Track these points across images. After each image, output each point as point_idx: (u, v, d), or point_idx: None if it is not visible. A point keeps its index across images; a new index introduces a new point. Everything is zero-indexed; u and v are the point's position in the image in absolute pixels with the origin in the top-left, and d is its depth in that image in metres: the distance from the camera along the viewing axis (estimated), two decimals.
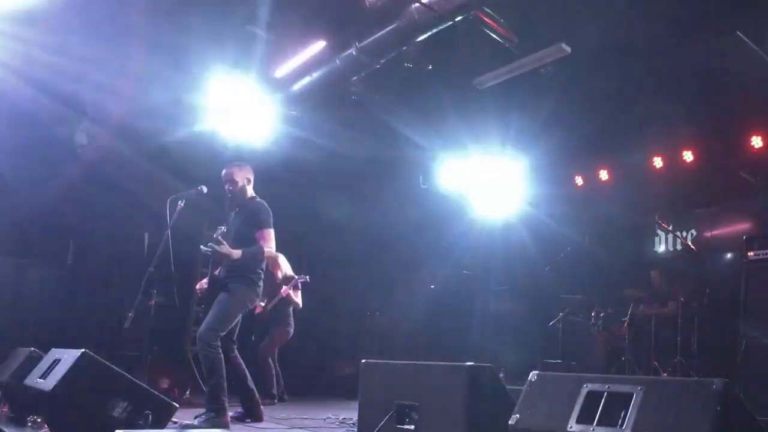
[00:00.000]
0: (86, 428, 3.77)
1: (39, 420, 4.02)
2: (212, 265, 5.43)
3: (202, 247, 4.80)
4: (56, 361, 4.04)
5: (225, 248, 4.74)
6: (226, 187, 5.16)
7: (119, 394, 3.87)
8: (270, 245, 4.98)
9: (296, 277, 7.64)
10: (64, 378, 3.81)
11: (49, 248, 7.92)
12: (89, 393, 3.83)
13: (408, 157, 9.60)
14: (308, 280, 7.69)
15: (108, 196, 8.02)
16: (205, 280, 5.12)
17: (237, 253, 4.80)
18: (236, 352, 5.18)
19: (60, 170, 7.55)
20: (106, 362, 4.01)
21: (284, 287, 7.44)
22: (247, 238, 4.97)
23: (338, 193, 9.90)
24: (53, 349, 4.30)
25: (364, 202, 10.27)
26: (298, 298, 7.60)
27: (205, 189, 5.15)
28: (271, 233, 4.99)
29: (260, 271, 5.11)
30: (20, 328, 6.45)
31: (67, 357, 3.97)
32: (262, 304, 7.23)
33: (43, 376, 4.01)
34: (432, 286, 10.10)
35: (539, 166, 9.59)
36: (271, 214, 5.09)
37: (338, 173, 9.49)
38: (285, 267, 7.67)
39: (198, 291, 5.16)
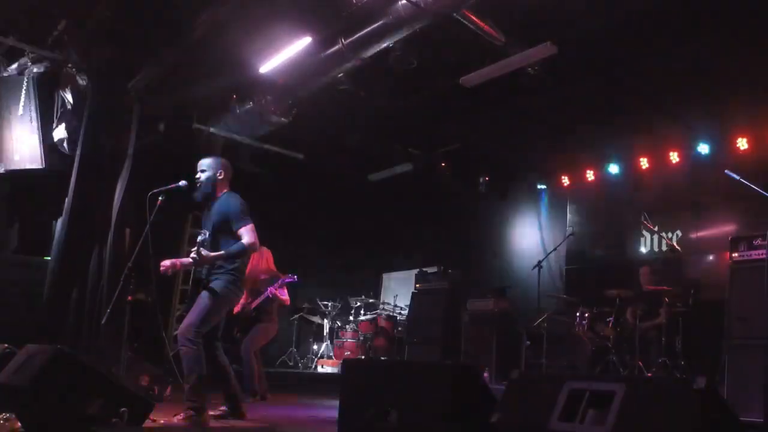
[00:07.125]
0: (60, 425, 3.69)
1: (12, 417, 3.93)
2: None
3: (192, 254, 4.76)
4: (30, 358, 3.96)
5: (207, 257, 4.76)
6: (197, 175, 5.03)
7: (94, 391, 3.79)
8: (252, 239, 4.85)
9: (282, 275, 7.50)
10: (37, 374, 3.72)
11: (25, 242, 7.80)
12: (64, 390, 3.73)
13: None
14: (296, 278, 7.55)
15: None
16: (168, 261, 4.91)
17: (218, 255, 4.78)
18: (221, 350, 5.11)
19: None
20: (82, 359, 3.93)
21: (270, 287, 7.29)
22: (226, 233, 4.88)
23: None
24: (28, 345, 4.22)
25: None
26: (284, 296, 7.48)
27: (185, 184, 5.02)
28: (251, 227, 4.87)
29: (242, 263, 5.03)
30: None
31: (42, 353, 3.89)
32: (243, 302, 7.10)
33: (17, 372, 3.92)
34: (417, 285, 10.04)
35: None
36: (246, 205, 4.98)
37: None
38: (270, 264, 7.52)
39: (161, 270, 4.90)
